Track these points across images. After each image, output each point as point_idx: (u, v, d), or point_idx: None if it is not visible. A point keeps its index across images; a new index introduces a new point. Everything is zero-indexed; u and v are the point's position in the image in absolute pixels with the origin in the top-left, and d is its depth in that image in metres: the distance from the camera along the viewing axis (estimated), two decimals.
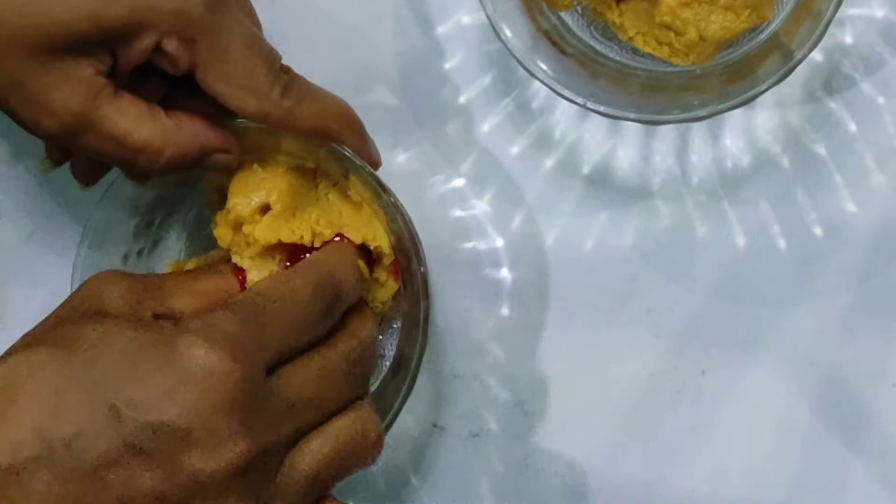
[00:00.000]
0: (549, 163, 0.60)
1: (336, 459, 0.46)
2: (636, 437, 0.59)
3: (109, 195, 0.54)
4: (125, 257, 0.56)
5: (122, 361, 0.42)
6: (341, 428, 0.46)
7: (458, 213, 0.60)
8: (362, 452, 0.47)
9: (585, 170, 0.60)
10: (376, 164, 0.54)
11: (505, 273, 0.60)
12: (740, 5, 0.52)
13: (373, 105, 0.60)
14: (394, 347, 0.57)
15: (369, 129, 0.58)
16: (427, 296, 0.53)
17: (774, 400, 0.58)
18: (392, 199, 0.52)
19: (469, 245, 0.60)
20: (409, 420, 0.60)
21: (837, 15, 0.51)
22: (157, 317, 0.45)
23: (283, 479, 0.44)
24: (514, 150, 0.60)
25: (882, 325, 0.57)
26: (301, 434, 0.45)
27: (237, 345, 0.43)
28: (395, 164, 0.60)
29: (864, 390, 0.57)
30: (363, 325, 0.50)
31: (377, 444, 0.48)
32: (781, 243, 0.58)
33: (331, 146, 0.52)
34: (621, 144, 0.59)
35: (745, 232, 0.58)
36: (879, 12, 0.57)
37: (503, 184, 0.60)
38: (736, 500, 0.58)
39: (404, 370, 0.53)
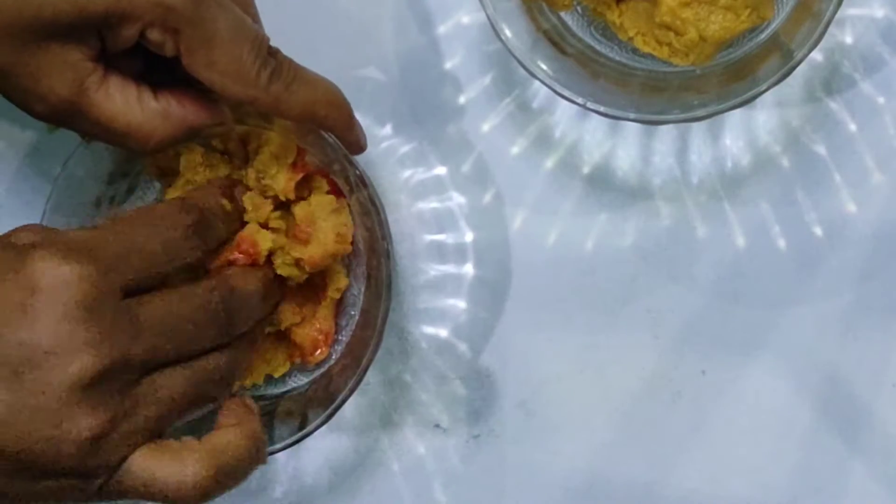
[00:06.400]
0: (549, 163, 0.60)
1: (186, 398, 0.46)
2: (636, 437, 0.59)
3: (70, 165, 0.55)
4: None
5: None
6: (198, 369, 0.46)
7: (456, 212, 0.60)
8: (213, 393, 0.47)
9: (585, 170, 0.60)
10: (362, 148, 0.54)
11: (505, 273, 0.60)
12: (740, 5, 0.52)
13: (372, 104, 0.60)
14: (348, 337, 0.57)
15: (368, 128, 0.58)
16: (388, 298, 0.53)
17: (774, 400, 0.58)
18: (369, 195, 0.53)
19: (468, 245, 0.60)
20: (410, 421, 0.60)
21: (837, 15, 0.51)
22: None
23: (132, 404, 0.44)
24: (514, 150, 0.60)
25: (882, 325, 0.57)
26: (156, 365, 0.45)
27: (90, 258, 0.43)
28: (394, 163, 0.60)
29: (864, 390, 0.57)
30: (242, 277, 0.50)
31: (228, 387, 0.48)
32: (781, 243, 0.58)
33: (317, 134, 0.52)
34: (621, 144, 0.59)
35: (745, 232, 0.58)
36: (879, 12, 0.57)
37: (503, 184, 0.60)
38: (736, 500, 0.58)
39: (351, 370, 0.53)
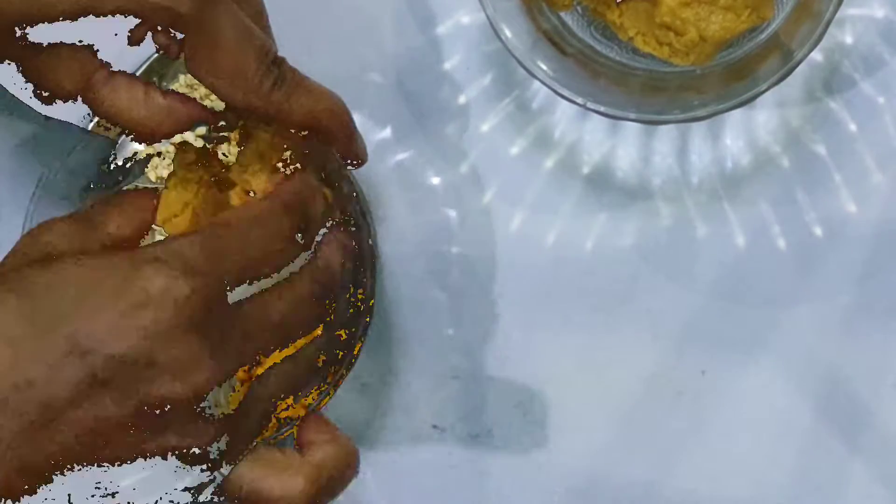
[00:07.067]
0: (548, 163, 0.60)
1: (293, 386, 0.47)
2: (636, 437, 0.59)
3: (66, 158, 0.56)
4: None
5: (77, 297, 0.42)
6: (302, 357, 0.47)
7: (456, 212, 0.60)
8: (314, 380, 0.48)
9: (585, 170, 0.60)
10: (363, 160, 0.54)
11: (505, 273, 0.60)
12: (740, 5, 0.52)
13: (372, 105, 0.60)
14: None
15: (369, 129, 0.58)
16: (370, 315, 0.53)
17: (774, 400, 0.58)
18: (360, 209, 0.53)
19: (468, 244, 0.60)
20: (409, 421, 0.60)
21: (837, 15, 0.51)
22: (105, 249, 0.46)
23: (245, 401, 0.45)
24: (514, 150, 0.60)
25: (882, 325, 0.57)
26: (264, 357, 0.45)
27: (195, 268, 0.43)
28: (394, 163, 0.60)
29: (864, 390, 0.57)
30: (333, 253, 0.49)
31: (322, 372, 0.49)
32: (781, 243, 0.58)
33: (314, 145, 0.53)
34: (621, 144, 0.59)
35: (745, 232, 0.58)
36: (879, 12, 0.57)
37: (503, 184, 0.60)
38: (736, 500, 0.58)
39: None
